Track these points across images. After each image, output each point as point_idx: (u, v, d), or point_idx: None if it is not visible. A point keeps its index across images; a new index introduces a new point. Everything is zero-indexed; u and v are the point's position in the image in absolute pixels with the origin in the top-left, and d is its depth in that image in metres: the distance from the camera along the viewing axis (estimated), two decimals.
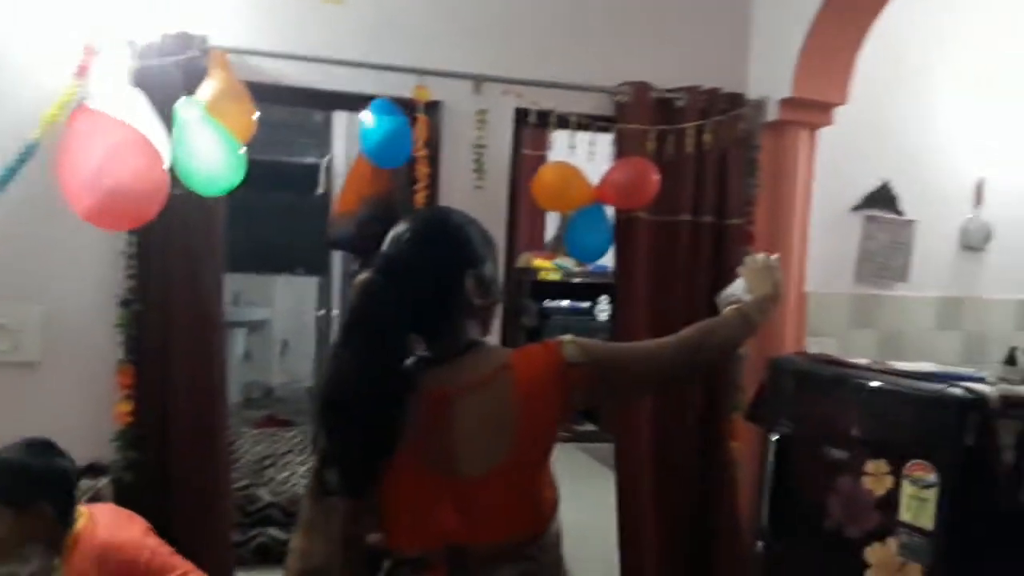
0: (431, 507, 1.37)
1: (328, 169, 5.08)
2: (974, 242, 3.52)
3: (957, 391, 1.87)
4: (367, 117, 2.69)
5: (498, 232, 3.07)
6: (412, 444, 1.35)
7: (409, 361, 1.40)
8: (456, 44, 3.00)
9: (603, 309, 5.61)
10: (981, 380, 2.05)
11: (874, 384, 2.04)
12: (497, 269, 1.53)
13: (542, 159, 4.56)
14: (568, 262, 5.60)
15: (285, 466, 3.43)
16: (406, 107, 2.80)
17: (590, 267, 5.36)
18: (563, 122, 3.09)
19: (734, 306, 1.76)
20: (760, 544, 2.24)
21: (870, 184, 3.40)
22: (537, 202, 3.10)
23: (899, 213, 3.42)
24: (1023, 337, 3.46)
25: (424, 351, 1.44)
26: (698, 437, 3.19)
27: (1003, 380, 2.14)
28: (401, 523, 1.39)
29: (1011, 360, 2.24)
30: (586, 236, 3.13)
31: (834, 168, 3.33)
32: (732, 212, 3.21)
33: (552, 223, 5.90)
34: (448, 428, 1.38)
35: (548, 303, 5.60)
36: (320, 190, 5.11)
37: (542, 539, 1.42)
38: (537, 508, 1.42)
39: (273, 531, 3.04)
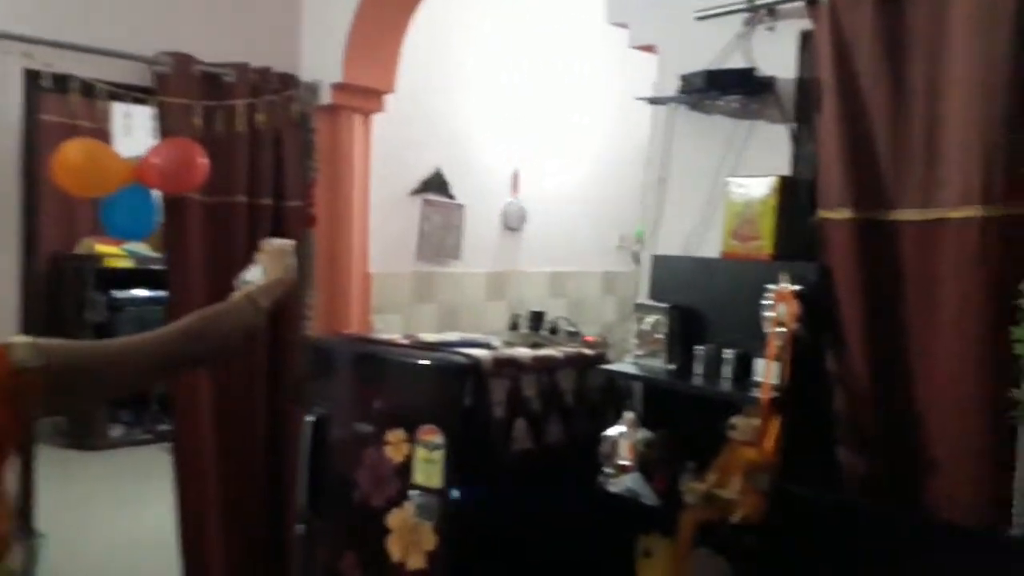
0: None
1: None
2: (513, 223, 3.99)
3: (457, 358, 2.08)
4: None
5: (7, 213, 2.64)
6: None
7: None
8: None
9: None
10: (487, 345, 2.31)
11: (394, 358, 2.18)
12: None
13: (100, 133, 4.04)
14: (143, 247, 5.09)
15: None
16: None
17: None
18: (88, 90, 2.75)
19: (243, 291, 1.74)
20: (301, 526, 2.27)
21: (425, 170, 3.65)
22: (61, 185, 2.71)
23: (451, 197, 3.73)
24: (555, 303, 4.04)
25: None
26: (265, 424, 3.14)
27: (508, 343, 2.45)
28: None
29: (514, 325, 2.57)
30: (124, 217, 2.84)
31: (392, 154, 3.50)
32: (291, 194, 3.20)
33: None
34: None
35: (119, 294, 5.04)
36: None
37: None
38: None
39: None
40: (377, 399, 2.15)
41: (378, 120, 3.40)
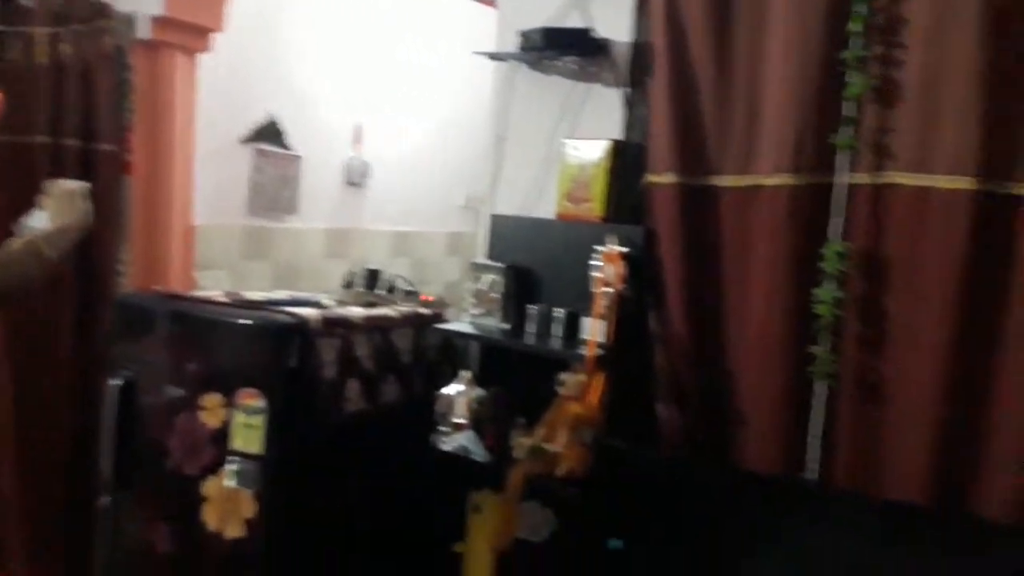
0: None
1: None
2: (355, 179, 3.85)
3: (282, 317, 1.97)
4: None
5: None
6: None
7: None
8: None
9: None
10: (317, 304, 2.21)
11: (212, 317, 2.04)
12: None
13: None
14: None
15: None
16: None
17: None
18: None
19: (25, 239, 1.56)
20: (106, 498, 2.10)
21: (258, 117, 3.42)
22: None
23: (287, 148, 3.53)
24: (398, 263, 3.95)
25: None
26: (71, 389, 2.87)
27: (340, 303, 2.36)
28: None
29: (349, 284, 2.48)
30: None
31: (221, 98, 3.24)
32: (102, 137, 2.90)
33: None
34: None
35: None
36: None
37: None
38: None
39: None
40: (192, 361, 2.00)
41: (205, 61, 3.14)
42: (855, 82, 1.80)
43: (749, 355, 1.97)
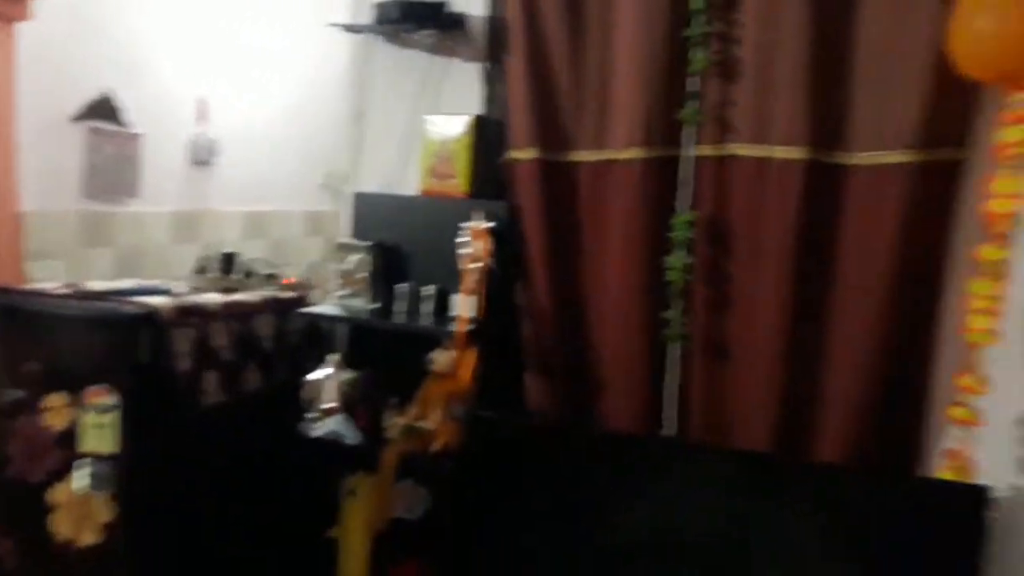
0: None
1: None
2: (202, 157, 3.62)
3: (129, 308, 1.85)
4: None
5: None
6: None
7: None
8: None
9: None
10: (167, 292, 2.09)
11: (50, 311, 1.88)
12: None
13: None
14: None
15: None
16: None
17: None
18: None
19: None
20: None
21: (90, 93, 3.14)
22: None
23: (124, 125, 3.27)
24: (254, 245, 3.78)
25: None
26: None
27: (195, 290, 2.24)
28: None
29: (202, 269, 2.35)
30: None
31: (45, 72, 2.95)
32: None
33: None
34: None
35: None
36: None
37: None
38: None
39: None
40: (30, 360, 1.84)
41: (25, 30, 2.85)
42: (698, 58, 1.90)
43: (609, 322, 2.06)
